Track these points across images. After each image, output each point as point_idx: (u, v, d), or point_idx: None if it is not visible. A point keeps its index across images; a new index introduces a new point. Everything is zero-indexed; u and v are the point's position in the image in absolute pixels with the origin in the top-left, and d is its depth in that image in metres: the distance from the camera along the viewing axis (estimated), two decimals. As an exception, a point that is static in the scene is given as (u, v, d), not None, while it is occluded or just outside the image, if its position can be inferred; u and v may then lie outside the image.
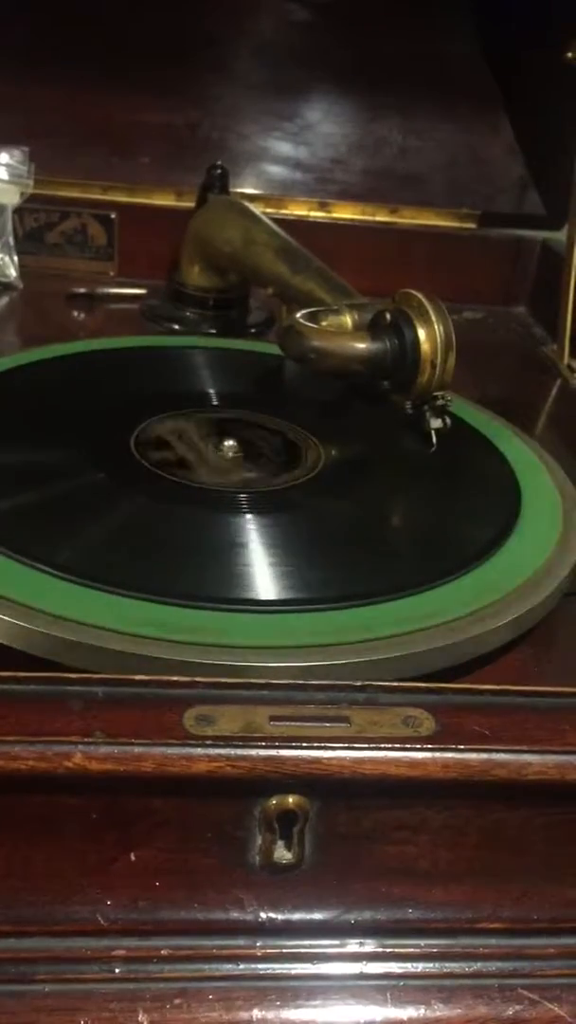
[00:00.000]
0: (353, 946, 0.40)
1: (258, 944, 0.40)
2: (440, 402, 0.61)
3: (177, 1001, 0.38)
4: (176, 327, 0.83)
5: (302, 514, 0.56)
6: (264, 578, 0.50)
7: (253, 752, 0.37)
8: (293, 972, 0.40)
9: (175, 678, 0.39)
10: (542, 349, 0.89)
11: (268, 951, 0.40)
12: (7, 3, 0.86)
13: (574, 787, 0.38)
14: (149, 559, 0.50)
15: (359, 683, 0.40)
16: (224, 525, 0.53)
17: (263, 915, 0.40)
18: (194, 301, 0.84)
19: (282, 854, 0.39)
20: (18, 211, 0.88)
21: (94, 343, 0.75)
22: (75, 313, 0.87)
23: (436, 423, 0.61)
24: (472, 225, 0.97)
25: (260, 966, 0.40)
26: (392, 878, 0.40)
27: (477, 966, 0.41)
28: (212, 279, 0.83)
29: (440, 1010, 0.40)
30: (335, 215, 0.95)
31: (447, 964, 0.41)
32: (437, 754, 0.37)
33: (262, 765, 0.37)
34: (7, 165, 0.87)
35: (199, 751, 0.36)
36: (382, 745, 0.37)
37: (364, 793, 0.38)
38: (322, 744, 0.37)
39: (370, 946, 0.40)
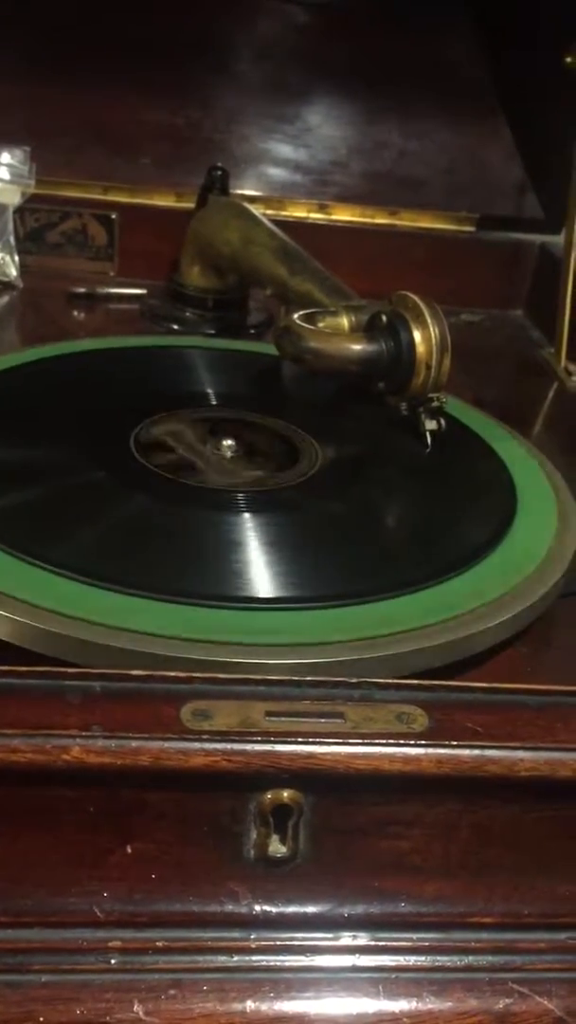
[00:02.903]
0: (346, 939, 0.41)
1: (252, 936, 0.40)
2: (435, 403, 0.61)
3: (172, 992, 0.39)
4: (176, 327, 0.84)
5: (298, 513, 0.56)
6: (261, 576, 0.50)
7: (249, 747, 0.37)
8: (286, 964, 0.40)
9: (172, 673, 0.40)
10: (539, 352, 0.89)
11: (262, 943, 0.40)
12: (8, 3, 0.87)
13: (565, 783, 0.39)
14: (147, 557, 0.51)
15: (354, 680, 0.40)
16: (222, 524, 0.54)
17: (257, 908, 0.40)
18: (194, 301, 0.84)
19: (277, 848, 0.39)
20: (19, 211, 0.88)
21: (94, 343, 0.75)
22: (75, 313, 0.87)
23: (431, 424, 0.62)
24: (470, 228, 0.97)
25: (254, 958, 0.40)
26: (385, 872, 0.40)
27: (468, 960, 0.41)
28: (212, 280, 0.84)
29: (431, 1003, 0.40)
30: (334, 217, 0.96)
31: (439, 958, 0.41)
32: (430, 750, 0.38)
33: (258, 760, 0.37)
34: (8, 165, 0.87)
35: (196, 745, 0.37)
36: (376, 741, 0.38)
37: (358, 788, 0.39)
38: (317, 739, 0.38)
39: (363, 939, 0.41)
